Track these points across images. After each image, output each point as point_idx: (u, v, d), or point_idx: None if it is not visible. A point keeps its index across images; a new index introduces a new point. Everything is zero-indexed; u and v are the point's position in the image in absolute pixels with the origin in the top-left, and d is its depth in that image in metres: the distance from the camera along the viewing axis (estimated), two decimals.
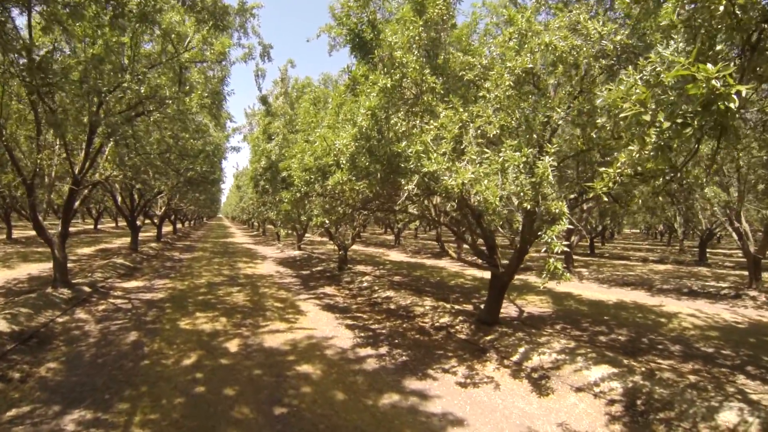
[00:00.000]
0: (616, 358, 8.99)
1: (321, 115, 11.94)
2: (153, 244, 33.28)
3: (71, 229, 47.96)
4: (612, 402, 7.50)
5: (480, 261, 11.87)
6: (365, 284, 17.76)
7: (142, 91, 11.98)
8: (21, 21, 23.04)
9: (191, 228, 75.19)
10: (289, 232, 26.49)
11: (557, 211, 6.47)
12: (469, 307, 13.94)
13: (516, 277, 16.10)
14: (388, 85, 7.54)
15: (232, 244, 41.95)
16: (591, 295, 17.04)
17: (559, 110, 7.29)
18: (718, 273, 23.96)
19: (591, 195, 5.42)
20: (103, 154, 16.40)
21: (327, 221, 11.02)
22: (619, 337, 11.16)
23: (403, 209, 11.24)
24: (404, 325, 12.05)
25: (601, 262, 28.58)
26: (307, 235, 32.58)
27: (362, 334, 11.04)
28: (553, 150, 6.50)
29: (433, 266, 25.20)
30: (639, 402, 7.40)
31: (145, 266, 22.86)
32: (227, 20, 11.82)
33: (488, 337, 10.63)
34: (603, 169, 5.14)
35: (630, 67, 5.82)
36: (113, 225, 65.88)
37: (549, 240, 6.26)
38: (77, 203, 15.59)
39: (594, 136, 6.81)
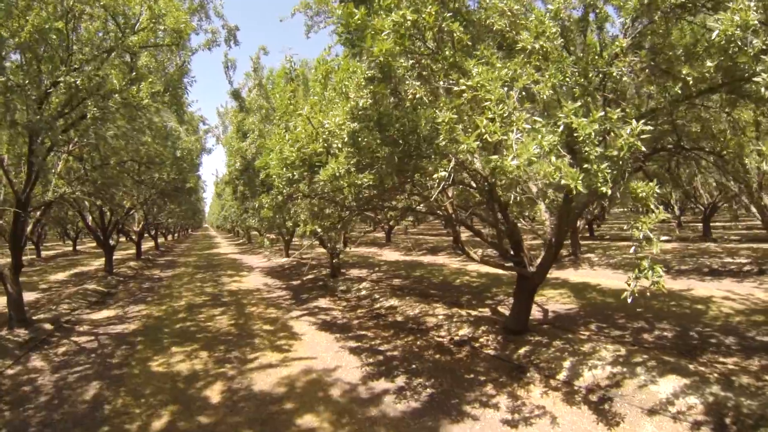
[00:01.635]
0: (679, 363, 7.53)
1: (300, 93, 9.76)
2: (132, 263, 31.21)
3: (49, 252, 46.20)
4: (697, 425, 5.99)
5: (500, 260, 10.17)
6: (364, 292, 15.94)
7: (78, 82, 9.78)
8: None
9: (175, 241, 72.88)
10: (273, 240, 24.28)
11: (643, 194, 4.71)
12: (486, 312, 12.24)
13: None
14: (409, 19, 5.49)
15: (217, 256, 39.91)
16: (610, 283, 15.41)
17: (619, 63, 5.51)
18: (728, 248, 22.37)
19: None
20: (56, 168, 14.40)
21: (318, 229, 9.02)
22: (665, 333, 9.61)
23: (411, 207, 9.37)
24: (418, 343, 10.24)
25: (605, 245, 26.97)
26: (294, 239, 30.57)
27: (371, 360, 9.19)
28: (616, 114, 4.75)
29: (432, 264, 23.40)
30: (728, 421, 5.96)
31: (121, 290, 20.78)
32: None
33: (522, 350, 8.99)
34: None
35: None
36: (94, 245, 63.31)
37: (643, 235, 4.51)
38: (29, 228, 13.60)
39: (678, 90, 5.05)
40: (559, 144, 4.46)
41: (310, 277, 21.31)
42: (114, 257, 26.22)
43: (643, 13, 5.59)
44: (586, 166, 4.53)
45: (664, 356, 7.85)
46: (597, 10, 7.31)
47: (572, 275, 17.34)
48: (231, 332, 11.95)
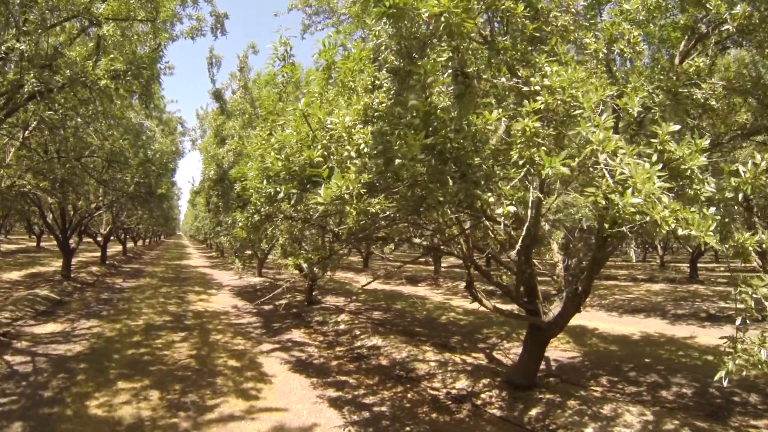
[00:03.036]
0: (714, 429, 6.86)
1: (292, 87, 7.60)
2: (94, 268, 29.10)
3: (10, 246, 43.58)
4: None
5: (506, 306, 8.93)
6: (342, 326, 14.39)
7: (24, 48, 8.03)
8: None
9: (145, 247, 70.21)
10: (248, 258, 22.23)
11: (750, 247, 3.47)
12: (482, 358, 10.97)
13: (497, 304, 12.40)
14: None
15: (186, 268, 37.88)
16: (609, 327, 14.49)
17: (703, 85, 4.28)
18: (718, 291, 22.01)
19: None
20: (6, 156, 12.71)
21: (304, 264, 7.32)
22: (683, 390, 8.75)
23: (410, 241, 7.90)
24: (409, 395, 8.77)
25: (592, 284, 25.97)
26: (269, 256, 28.76)
27: (355, 418, 7.66)
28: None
29: (413, 295, 21.88)
30: None
31: (75, 299, 18.88)
32: None
33: (533, 411, 7.70)
34: None
35: None
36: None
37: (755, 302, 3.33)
38: None
39: None
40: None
41: (283, 301, 19.63)
42: (77, 260, 24.25)
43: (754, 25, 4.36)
44: (693, 209, 3.22)
45: (694, 421, 7.08)
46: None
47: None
48: (190, 366, 10.27)
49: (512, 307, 9.81)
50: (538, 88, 3.58)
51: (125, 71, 9.81)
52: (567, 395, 8.06)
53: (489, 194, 3.78)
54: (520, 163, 3.43)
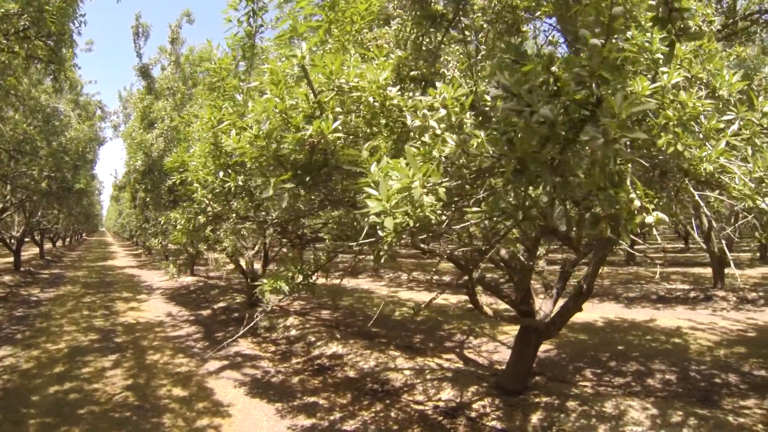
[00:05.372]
0: (716, 416, 6.59)
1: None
2: (7, 278, 26.00)
3: None
4: None
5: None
6: (294, 331, 12.95)
7: None
8: None
9: (66, 248, 65.37)
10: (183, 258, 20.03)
11: None
12: (455, 359, 10.31)
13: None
14: None
15: (112, 270, 35.18)
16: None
17: None
18: (658, 272, 22.96)
19: None
20: None
21: (285, 287, 5.87)
22: (667, 377, 8.74)
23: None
24: (393, 414, 7.68)
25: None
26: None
27: None
28: None
29: (357, 290, 20.85)
30: None
31: None
32: None
33: (534, 419, 7.00)
34: None
35: None
36: None
37: None
38: None
39: None
40: None
41: (222, 305, 17.97)
42: None
43: None
44: None
45: (694, 408, 6.88)
46: None
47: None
48: (128, 403, 8.35)
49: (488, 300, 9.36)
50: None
51: (20, 14, 7.54)
52: (563, 396, 7.50)
53: (631, 194, 2.51)
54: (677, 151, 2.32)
